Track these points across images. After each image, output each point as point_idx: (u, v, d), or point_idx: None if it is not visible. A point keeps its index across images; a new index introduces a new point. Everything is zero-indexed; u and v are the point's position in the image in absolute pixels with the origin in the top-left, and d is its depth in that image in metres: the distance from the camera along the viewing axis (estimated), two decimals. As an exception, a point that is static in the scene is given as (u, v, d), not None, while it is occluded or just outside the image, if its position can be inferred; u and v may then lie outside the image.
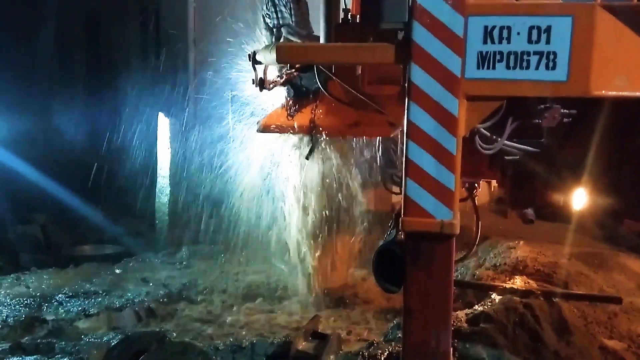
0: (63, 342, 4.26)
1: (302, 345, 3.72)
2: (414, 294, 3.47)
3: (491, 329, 4.11)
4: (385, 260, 3.56)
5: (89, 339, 4.34)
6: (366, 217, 6.20)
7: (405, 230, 3.41)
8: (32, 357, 3.93)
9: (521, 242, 5.70)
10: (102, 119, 8.81)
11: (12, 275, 6.57)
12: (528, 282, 4.81)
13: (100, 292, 5.90)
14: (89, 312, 5.37)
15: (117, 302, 5.62)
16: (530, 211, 3.90)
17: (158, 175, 7.98)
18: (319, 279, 5.85)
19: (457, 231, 3.37)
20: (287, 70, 4.81)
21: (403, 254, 3.46)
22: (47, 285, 6.20)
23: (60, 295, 5.79)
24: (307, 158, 5.06)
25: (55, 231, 8.51)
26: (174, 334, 3.90)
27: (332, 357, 3.66)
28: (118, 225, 8.42)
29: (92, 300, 5.66)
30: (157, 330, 3.92)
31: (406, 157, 3.35)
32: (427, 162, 3.30)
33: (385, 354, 3.75)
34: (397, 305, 5.26)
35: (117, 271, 6.79)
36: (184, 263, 7.07)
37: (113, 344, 3.79)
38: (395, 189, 5.64)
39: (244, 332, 4.71)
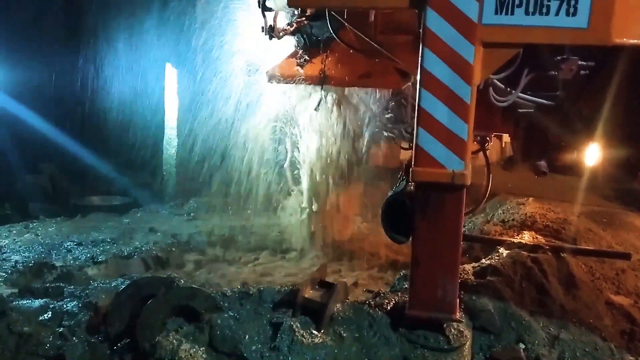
0: (72, 287, 4.29)
1: (309, 293, 3.73)
2: (422, 245, 3.47)
3: (498, 281, 4.13)
4: (395, 211, 3.55)
5: (98, 284, 4.37)
6: (375, 172, 6.17)
7: (415, 180, 3.38)
8: (42, 301, 3.95)
9: (530, 199, 5.67)
10: (110, 69, 8.72)
11: (20, 224, 6.60)
12: (536, 238, 4.81)
13: (109, 240, 5.93)
14: (97, 259, 5.41)
15: (125, 251, 5.65)
16: (543, 163, 3.85)
17: (166, 127, 7.94)
18: (325, 231, 5.87)
19: (468, 182, 3.34)
20: (298, 18, 4.70)
21: (412, 205, 3.45)
22: (56, 233, 6.23)
23: (68, 243, 5.82)
24: (315, 110, 4.99)
25: (63, 181, 8.55)
26: (182, 281, 3.90)
27: (338, 305, 3.67)
28: (126, 177, 8.43)
29: (101, 248, 5.69)
30: (165, 276, 3.93)
31: (419, 105, 3.29)
32: (440, 110, 3.25)
33: (392, 303, 3.77)
34: (403, 257, 5.28)
35: (125, 221, 6.81)
36: (192, 214, 7.09)
37: (121, 288, 3.81)
38: (405, 144, 5.60)
39: (251, 280, 4.78)
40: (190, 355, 3.28)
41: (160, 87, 8.03)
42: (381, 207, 3.60)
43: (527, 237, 4.79)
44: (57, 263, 5.24)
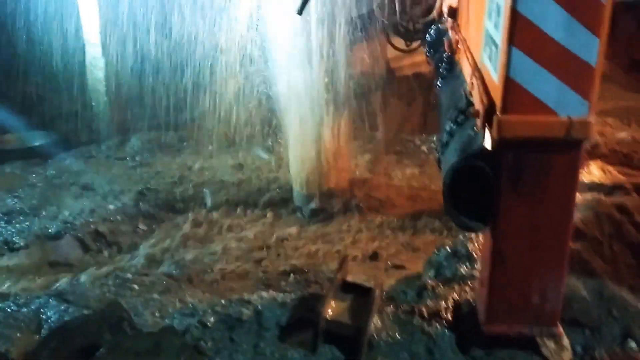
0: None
1: (333, 307, 2.48)
2: (513, 233, 2.25)
3: (584, 249, 2.97)
4: (464, 183, 2.24)
5: (10, 303, 2.87)
6: (359, 83, 4.79)
7: (504, 136, 2.06)
8: None
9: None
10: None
11: None
12: (608, 171, 3.59)
13: (27, 210, 4.39)
14: (14, 244, 3.93)
15: (51, 225, 4.15)
16: None
17: (86, 43, 6.10)
18: (316, 174, 4.46)
19: (592, 135, 2.05)
20: None
21: (496, 174, 2.15)
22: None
23: (-30, 219, 4.29)
24: (299, 14, 3.51)
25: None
26: (135, 287, 2.58)
27: (376, 320, 2.44)
28: (47, 110, 6.60)
29: (17, 224, 4.17)
30: (109, 304, 2.53)
31: (512, 8, 1.91)
32: (551, 16, 1.88)
33: (450, 305, 2.60)
34: (425, 207, 4.02)
35: (50, 173, 5.24)
36: (137, 158, 5.48)
37: (44, 335, 2.43)
38: (397, 42, 4.41)
39: (234, 285, 3.31)
40: None
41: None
42: (443, 178, 2.26)
43: (596, 171, 3.57)
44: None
